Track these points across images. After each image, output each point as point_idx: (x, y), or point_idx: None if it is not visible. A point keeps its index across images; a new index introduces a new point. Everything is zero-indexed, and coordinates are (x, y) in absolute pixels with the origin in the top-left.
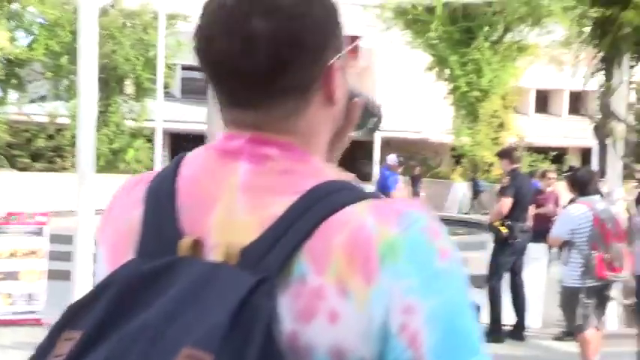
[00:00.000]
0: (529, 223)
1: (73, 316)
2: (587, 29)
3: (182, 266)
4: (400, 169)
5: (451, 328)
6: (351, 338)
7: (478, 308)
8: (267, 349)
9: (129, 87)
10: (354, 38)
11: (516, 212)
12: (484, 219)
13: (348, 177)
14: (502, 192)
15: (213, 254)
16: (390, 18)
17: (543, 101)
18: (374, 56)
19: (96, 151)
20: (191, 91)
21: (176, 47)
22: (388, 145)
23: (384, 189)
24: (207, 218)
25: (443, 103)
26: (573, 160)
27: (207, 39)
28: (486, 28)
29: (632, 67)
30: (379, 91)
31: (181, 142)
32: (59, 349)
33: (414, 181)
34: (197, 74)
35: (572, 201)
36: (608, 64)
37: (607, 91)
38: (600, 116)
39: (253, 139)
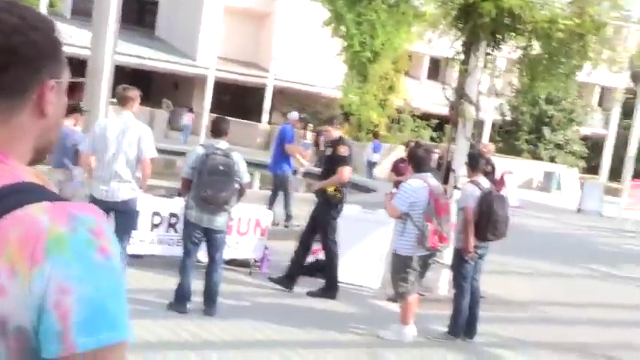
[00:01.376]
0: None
1: None
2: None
3: None
4: (299, 125)
5: (99, 309)
6: (13, 309)
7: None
8: None
9: None
10: (76, 84)
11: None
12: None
13: (42, 179)
14: (343, 160)
15: None
16: None
17: (436, 68)
18: (275, 4)
19: None
20: (81, 12)
21: None
22: (281, 94)
23: (282, 142)
24: None
25: (337, 60)
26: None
27: None
28: None
29: (488, 54)
30: (277, 39)
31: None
32: None
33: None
34: None
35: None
36: (467, 49)
37: (463, 74)
38: (455, 97)
39: None
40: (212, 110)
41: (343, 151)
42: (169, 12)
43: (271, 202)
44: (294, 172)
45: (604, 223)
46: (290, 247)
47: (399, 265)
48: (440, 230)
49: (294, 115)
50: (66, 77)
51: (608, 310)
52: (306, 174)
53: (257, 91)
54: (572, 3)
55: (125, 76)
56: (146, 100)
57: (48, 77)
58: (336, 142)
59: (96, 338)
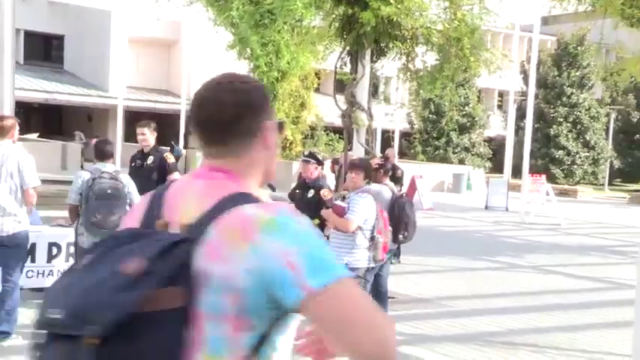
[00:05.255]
0: None
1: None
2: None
3: (155, 232)
4: None
5: (317, 259)
6: (232, 272)
7: None
8: (184, 269)
9: None
10: (281, 123)
11: None
12: None
13: (263, 194)
14: (172, 167)
15: (174, 229)
16: None
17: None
18: (181, 31)
19: None
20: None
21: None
22: None
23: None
24: (177, 209)
25: None
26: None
27: (197, 106)
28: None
29: (373, 61)
30: (187, 63)
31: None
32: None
33: None
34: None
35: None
36: (353, 58)
37: (351, 84)
38: (346, 105)
39: (209, 167)
40: (126, 139)
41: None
42: (76, 46)
43: None
44: None
45: (509, 218)
46: None
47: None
48: (385, 242)
49: None
50: (275, 118)
51: (512, 299)
52: None
53: (171, 117)
54: (445, 10)
55: (34, 111)
56: (58, 134)
57: (266, 120)
58: (160, 150)
59: (322, 277)
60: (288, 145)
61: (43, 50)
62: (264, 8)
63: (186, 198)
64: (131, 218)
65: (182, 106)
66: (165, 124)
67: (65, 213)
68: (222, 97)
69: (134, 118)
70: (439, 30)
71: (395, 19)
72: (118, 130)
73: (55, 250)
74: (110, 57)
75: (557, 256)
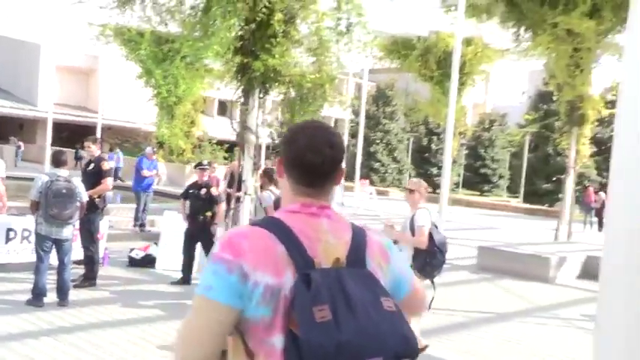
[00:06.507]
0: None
1: (315, 293)
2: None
3: (333, 270)
4: (155, 157)
5: (409, 268)
6: (385, 283)
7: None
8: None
9: None
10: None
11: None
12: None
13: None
14: (107, 173)
15: (328, 263)
16: (109, 35)
17: (223, 107)
18: (99, 63)
19: None
20: None
21: None
22: (110, 129)
23: (139, 170)
24: (318, 247)
25: (150, 103)
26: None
27: (300, 155)
28: (183, 49)
29: (260, 97)
30: (103, 89)
31: None
32: (320, 314)
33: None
34: None
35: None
36: (246, 94)
37: (244, 112)
38: (240, 129)
39: (321, 207)
40: (54, 144)
41: (106, 166)
42: (11, 69)
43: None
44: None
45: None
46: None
47: None
48: None
49: (149, 149)
50: None
51: None
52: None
53: (90, 129)
54: (314, 63)
55: None
56: None
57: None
58: (99, 159)
59: (412, 277)
60: (181, 152)
61: None
62: (167, 48)
63: (321, 236)
64: (268, 256)
65: (99, 119)
66: (83, 133)
67: (16, 203)
68: (340, 142)
69: (58, 129)
70: (308, 78)
71: (277, 69)
72: (47, 137)
73: (12, 234)
74: (39, 79)
75: None
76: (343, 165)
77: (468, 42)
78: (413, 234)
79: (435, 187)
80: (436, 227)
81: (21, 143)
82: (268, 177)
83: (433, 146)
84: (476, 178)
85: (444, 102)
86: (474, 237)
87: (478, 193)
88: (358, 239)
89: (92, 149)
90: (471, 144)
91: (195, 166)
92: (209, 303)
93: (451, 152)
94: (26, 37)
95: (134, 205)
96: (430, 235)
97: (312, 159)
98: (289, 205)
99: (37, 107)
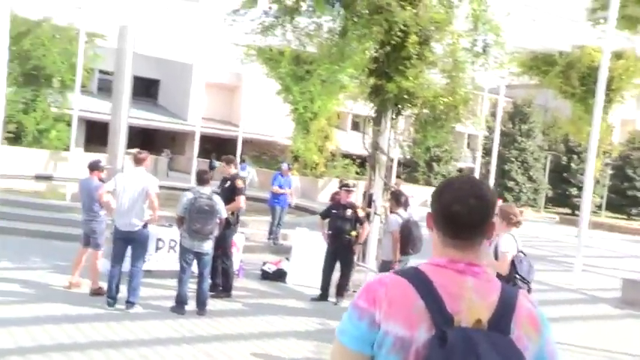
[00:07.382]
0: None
1: (448, 354)
2: (368, 90)
3: (472, 331)
4: (290, 173)
5: (557, 352)
6: (530, 355)
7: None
8: None
9: (55, 83)
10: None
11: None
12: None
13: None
14: (240, 191)
15: (468, 323)
16: (253, 55)
17: (356, 123)
18: (242, 80)
19: (25, 129)
20: (104, 89)
21: (93, 57)
22: (249, 143)
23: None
24: (459, 305)
25: (288, 118)
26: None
27: (447, 205)
28: (318, 71)
29: (393, 119)
30: (245, 104)
31: (92, 127)
32: None
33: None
34: (109, 77)
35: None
36: (378, 115)
37: (376, 133)
38: (372, 149)
39: (469, 264)
40: (199, 155)
41: (240, 183)
42: (167, 87)
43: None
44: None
45: None
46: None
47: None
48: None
49: (284, 166)
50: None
51: None
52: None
53: (231, 141)
54: (447, 84)
55: (136, 134)
56: (151, 150)
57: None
58: (234, 177)
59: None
60: (315, 166)
61: (144, 89)
62: (305, 68)
63: (465, 293)
64: (403, 308)
65: (240, 133)
66: (226, 145)
67: (164, 213)
68: (488, 195)
69: (204, 141)
70: (441, 100)
71: (411, 90)
72: (194, 148)
73: (160, 244)
74: (190, 96)
75: None
76: (495, 219)
77: (617, 56)
78: (496, 259)
79: (574, 208)
80: (524, 254)
81: (170, 155)
82: (396, 199)
83: (573, 165)
84: (622, 201)
85: (587, 120)
86: (617, 266)
87: (625, 216)
88: (506, 302)
89: (227, 168)
90: (617, 164)
91: (341, 187)
92: (342, 348)
93: (593, 172)
94: (181, 58)
95: (269, 219)
96: (512, 263)
97: (457, 209)
98: (436, 259)
99: (187, 121)
